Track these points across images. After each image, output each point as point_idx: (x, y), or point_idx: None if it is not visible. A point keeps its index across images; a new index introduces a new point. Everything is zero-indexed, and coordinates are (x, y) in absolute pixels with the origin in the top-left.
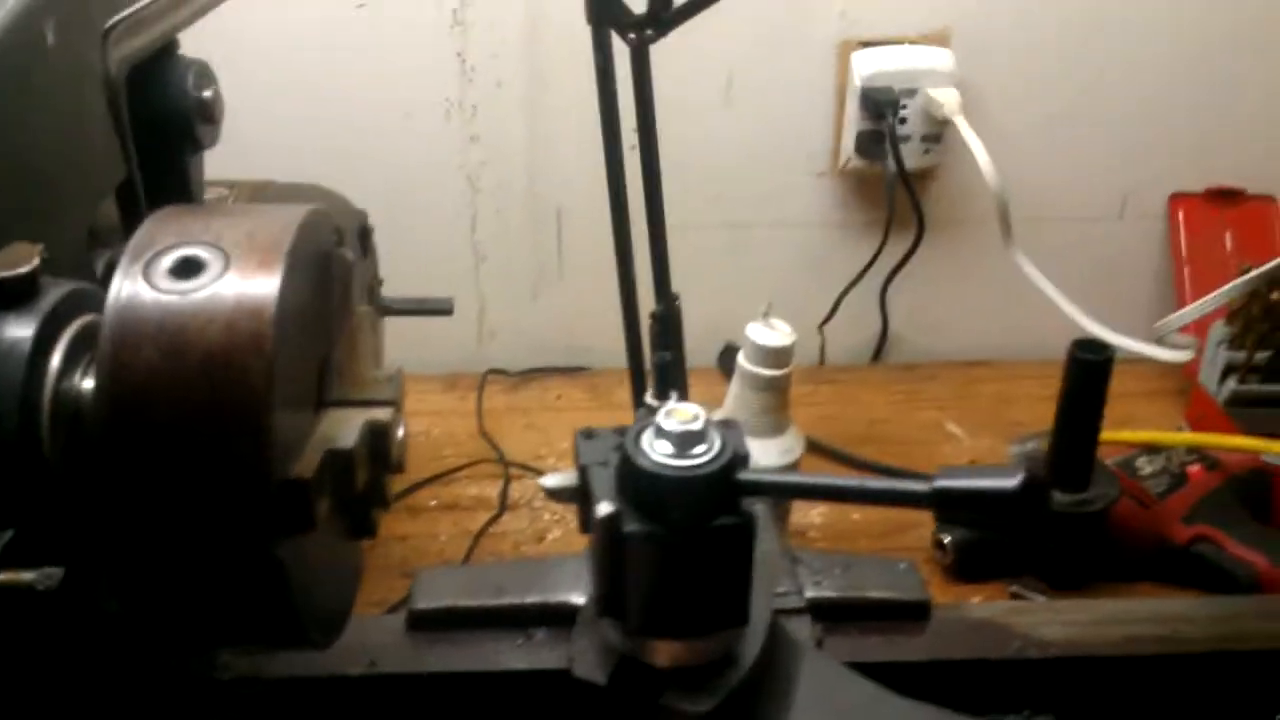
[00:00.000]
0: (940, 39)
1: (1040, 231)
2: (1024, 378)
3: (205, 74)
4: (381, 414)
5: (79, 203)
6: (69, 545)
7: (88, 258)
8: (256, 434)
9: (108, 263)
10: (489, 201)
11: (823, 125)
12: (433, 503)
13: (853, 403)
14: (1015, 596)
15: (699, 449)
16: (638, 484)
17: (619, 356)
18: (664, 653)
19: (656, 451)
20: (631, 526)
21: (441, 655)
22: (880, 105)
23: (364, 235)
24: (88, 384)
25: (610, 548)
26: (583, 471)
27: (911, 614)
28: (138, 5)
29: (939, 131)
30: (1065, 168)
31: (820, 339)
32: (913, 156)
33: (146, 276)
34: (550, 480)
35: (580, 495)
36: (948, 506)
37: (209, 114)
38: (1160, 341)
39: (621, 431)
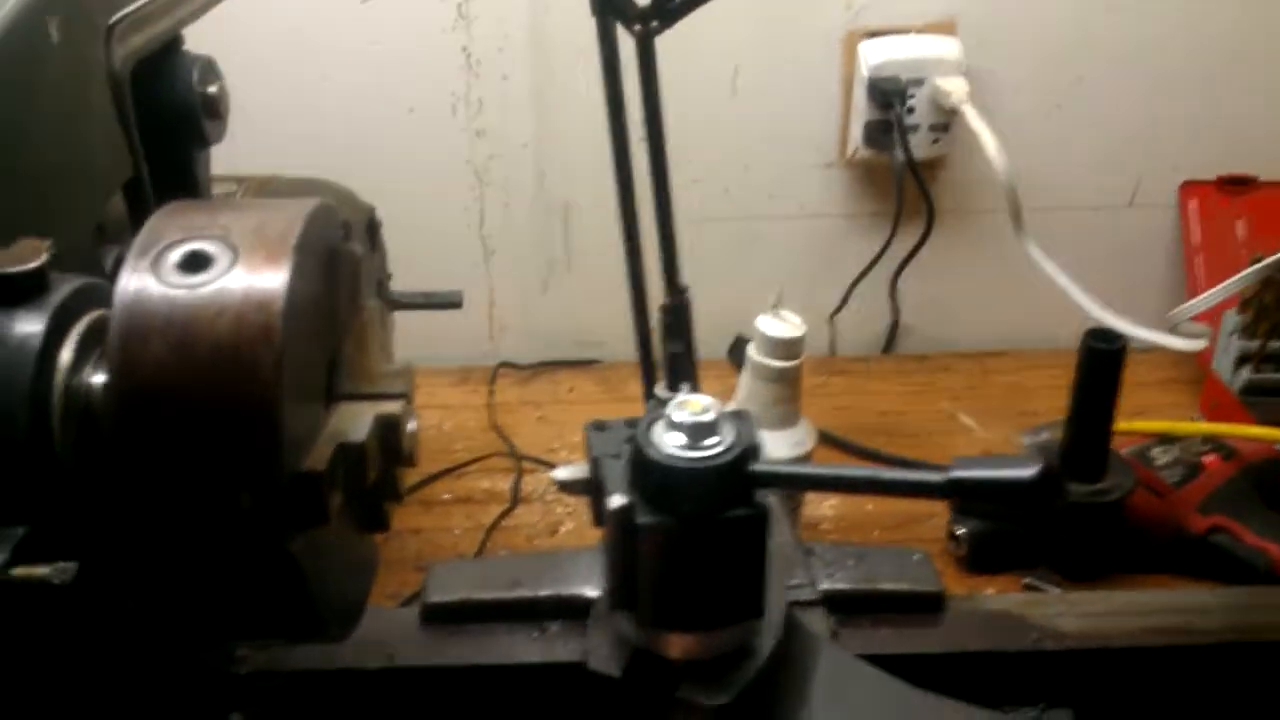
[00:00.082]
0: (947, 28)
1: (1050, 220)
2: (1036, 368)
3: (210, 69)
4: (392, 407)
5: (86, 199)
6: (82, 540)
7: (96, 253)
8: (267, 426)
9: (116, 258)
10: (497, 195)
11: (830, 116)
12: (446, 496)
13: (864, 394)
14: (1030, 588)
15: (711, 440)
16: (650, 476)
17: (629, 349)
18: (679, 645)
19: (668, 443)
20: (644, 518)
21: (456, 648)
22: (888, 95)
23: (372, 229)
24: (98, 379)
25: (623, 540)
26: (594, 464)
27: (926, 606)
28: (141, 1)
29: (947, 121)
30: (1075, 156)
31: (831, 330)
32: (921, 146)
33: (154, 271)
34: (562, 473)
35: (592, 488)
36: (963, 497)
37: (215, 109)
38: (1173, 330)
39: (633, 423)
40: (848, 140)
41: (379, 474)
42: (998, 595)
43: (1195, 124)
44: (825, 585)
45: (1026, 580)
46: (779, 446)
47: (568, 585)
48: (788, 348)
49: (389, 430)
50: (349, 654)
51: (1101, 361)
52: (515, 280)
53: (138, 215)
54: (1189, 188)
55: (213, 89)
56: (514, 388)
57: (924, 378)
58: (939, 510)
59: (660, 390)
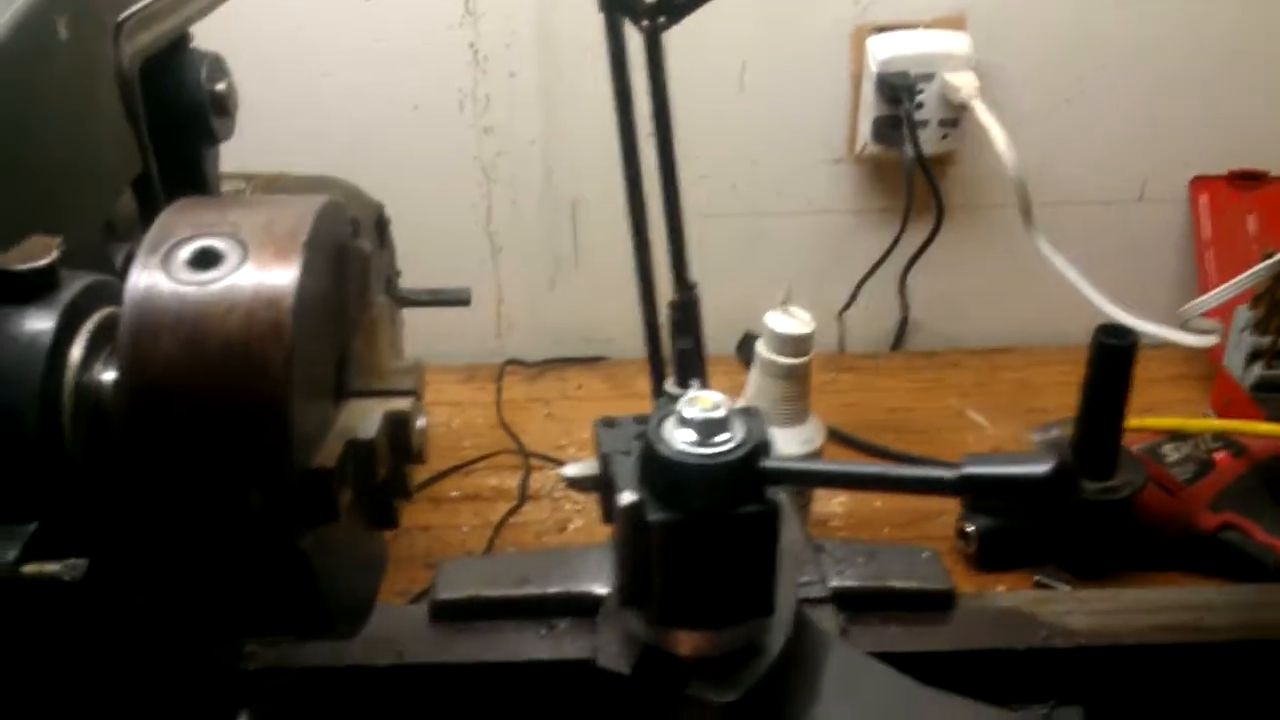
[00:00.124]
0: (956, 22)
1: (1060, 216)
2: (1046, 364)
3: (219, 67)
4: (402, 404)
5: (95, 196)
6: (92, 537)
7: (106, 251)
8: (277, 423)
9: (126, 255)
10: (505, 192)
11: (839, 111)
12: (454, 493)
13: (873, 391)
14: (1039, 585)
15: (722, 437)
16: (660, 472)
17: (637, 346)
18: (688, 643)
19: (679, 439)
20: (655, 515)
21: (464, 646)
22: (897, 90)
23: (381, 226)
24: (108, 376)
25: (633, 537)
26: (604, 460)
27: (936, 604)
28: None
29: (956, 116)
30: (1085, 151)
31: (840, 327)
32: (930, 142)
33: (165, 268)
34: (572, 469)
35: (602, 484)
36: (976, 494)
37: (223, 107)
38: (1184, 326)
39: (643, 420)
40: (856, 136)
41: (388, 471)
42: (1007, 593)
43: (1205, 118)
44: (835, 582)
45: (1036, 578)
46: (788, 444)
47: (576, 582)
48: (797, 344)
49: (398, 427)
50: (358, 651)
51: (1112, 357)
52: (523, 277)
53: (147, 212)
54: (1199, 183)
55: (221, 86)
56: (521, 385)
57: (933, 374)
58: (948, 508)
59: (670, 387)
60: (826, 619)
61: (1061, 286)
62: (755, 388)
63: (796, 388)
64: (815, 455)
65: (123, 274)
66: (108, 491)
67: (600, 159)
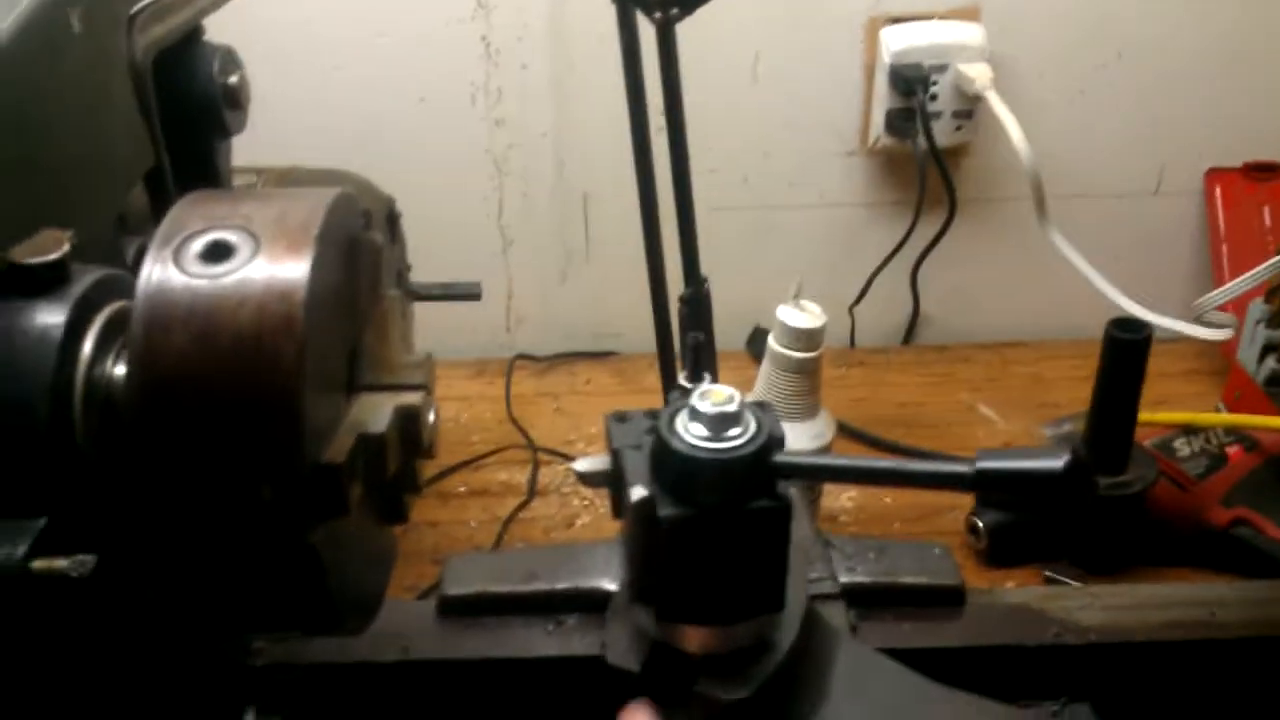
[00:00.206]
0: (970, 13)
1: (1074, 208)
2: (1058, 358)
3: (231, 60)
4: (412, 398)
5: (108, 189)
6: (102, 532)
7: (118, 244)
8: (289, 417)
9: (138, 249)
10: (516, 185)
11: (852, 103)
12: (462, 488)
13: (884, 385)
14: (1050, 581)
15: (734, 431)
16: (672, 467)
17: (647, 341)
18: (698, 639)
19: (691, 434)
20: (666, 510)
21: (472, 641)
22: (910, 82)
23: (392, 220)
24: (119, 370)
25: (644, 532)
26: (615, 455)
27: (946, 599)
28: None
29: (970, 108)
30: (1099, 143)
31: (851, 320)
32: (944, 134)
33: (176, 261)
34: (582, 464)
35: (612, 479)
36: (991, 489)
37: (235, 100)
38: (1198, 320)
39: (654, 414)
40: (869, 128)
41: (398, 465)
42: (1018, 589)
43: (1221, 109)
44: (845, 578)
45: (1047, 573)
46: (799, 438)
47: (585, 578)
48: (809, 338)
49: (409, 421)
50: (365, 647)
51: (1125, 352)
52: (534, 270)
53: (159, 206)
54: (1214, 174)
55: (233, 79)
56: (531, 379)
57: (944, 368)
58: (959, 503)
59: (683, 380)
60: (836, 615)
61: (1074, 280)
62: (766, 382)
63: (808, 382)
64: (825, 450)
65: (134, 267)
66: (118, 486)
67: (612, 151)
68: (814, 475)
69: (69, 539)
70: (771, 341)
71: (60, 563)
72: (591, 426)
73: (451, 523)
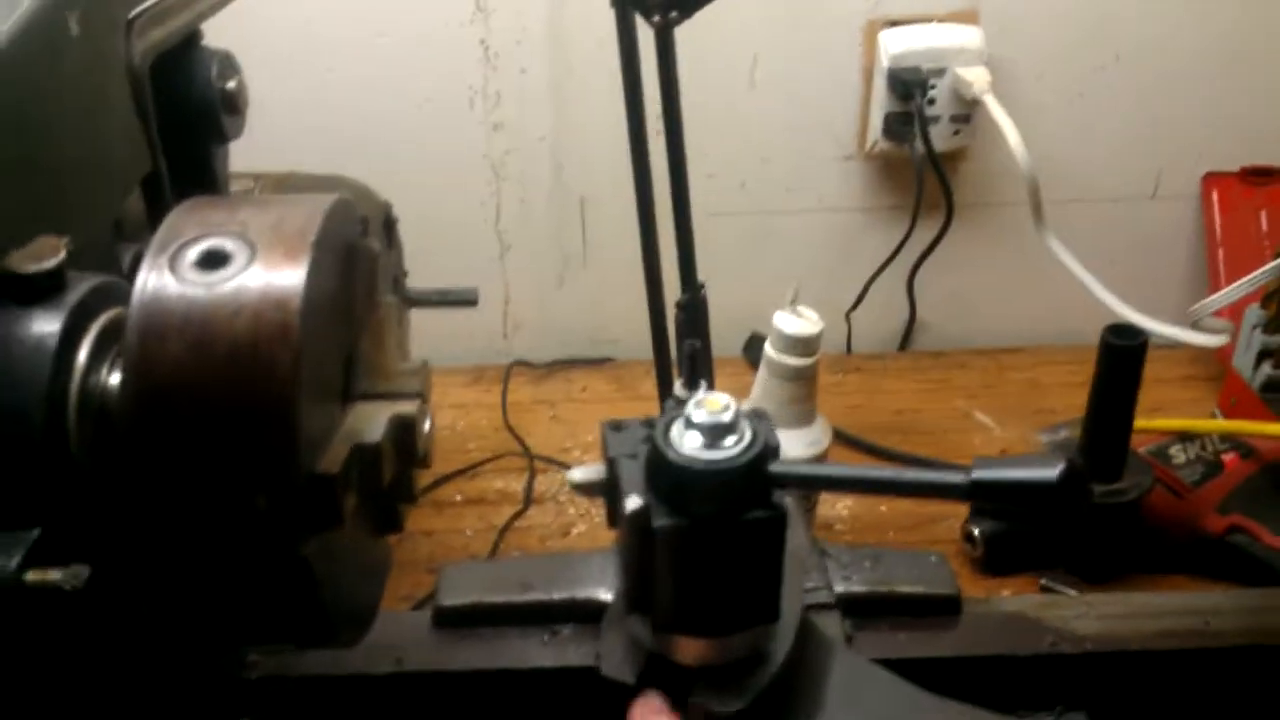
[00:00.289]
0: (968, 16)
1: (1070, 213)
2: (1055, 364)
3: (229, 64)
4: (408, 407)
5: (105, 194)
6: (96, 543)
7: (114, 251)
8: (284, 427)
9: (134, 255)
10: (513, 190)
11: (849, 107)
12: (458, 497)
13: (880, 392)
14: (1046, 589)
15: (730, 440)
16: (667, 477)
17: (644, 347)
18: (693, 650)
19: (686, 443)
20: (661, 520)
21: (466, 652)
22: (908, 86)
23: (389, 226)
24: (114, 378)
25: (639, 542)
26: (611, 464)
27: (942, 609)
28: None
29: (968, 112)
30: (1097, 147)
31: (847, 326)
32: (941, 138)
33: (172, 269)
34: (578, 474)
35: (608, 488)
36: (986, 499)
37: (233, 105)
38: (1194, 326)
39: (650, 423)
40: (867, 132)
41: (394, 475)
42: (1014, 597)
43: (1218, 113)
44: (841, 588)
45: (1043, 581)
46: (794, 446)
47: (580, 588)
48: (805, 344)
49: (404, 431)
50: (359, 659)
51: (1121, 358)
52: (531, 275)
53: (156, 211)
54: (1211, 179)
55: (231, 84)
56: (527, 386)
57: (940, 375)
58: (954, 511)
59: (679, 389)
60: (832, 625)
61: (1071, 285)
62: (762, 389)
63: (804, 389)
64: (822, 457)
65: (130, 274)
66: (112, 496)
67: (610, 156)
68: (810, 485)
69: (63, 550)
70: (768, 348)
71: (54, 574)
72: (588, 434)
73: (447, 531)
